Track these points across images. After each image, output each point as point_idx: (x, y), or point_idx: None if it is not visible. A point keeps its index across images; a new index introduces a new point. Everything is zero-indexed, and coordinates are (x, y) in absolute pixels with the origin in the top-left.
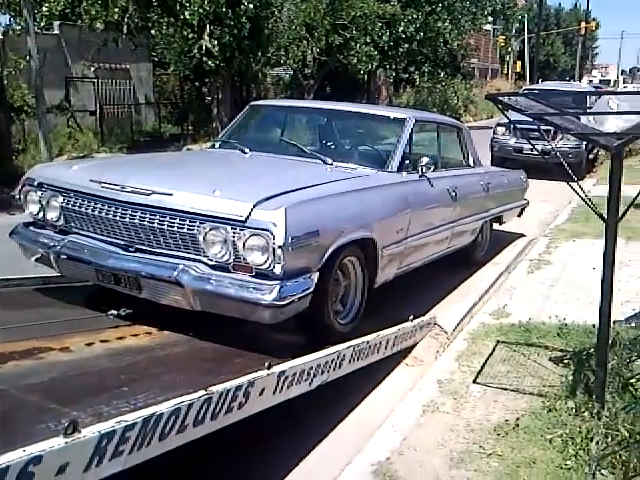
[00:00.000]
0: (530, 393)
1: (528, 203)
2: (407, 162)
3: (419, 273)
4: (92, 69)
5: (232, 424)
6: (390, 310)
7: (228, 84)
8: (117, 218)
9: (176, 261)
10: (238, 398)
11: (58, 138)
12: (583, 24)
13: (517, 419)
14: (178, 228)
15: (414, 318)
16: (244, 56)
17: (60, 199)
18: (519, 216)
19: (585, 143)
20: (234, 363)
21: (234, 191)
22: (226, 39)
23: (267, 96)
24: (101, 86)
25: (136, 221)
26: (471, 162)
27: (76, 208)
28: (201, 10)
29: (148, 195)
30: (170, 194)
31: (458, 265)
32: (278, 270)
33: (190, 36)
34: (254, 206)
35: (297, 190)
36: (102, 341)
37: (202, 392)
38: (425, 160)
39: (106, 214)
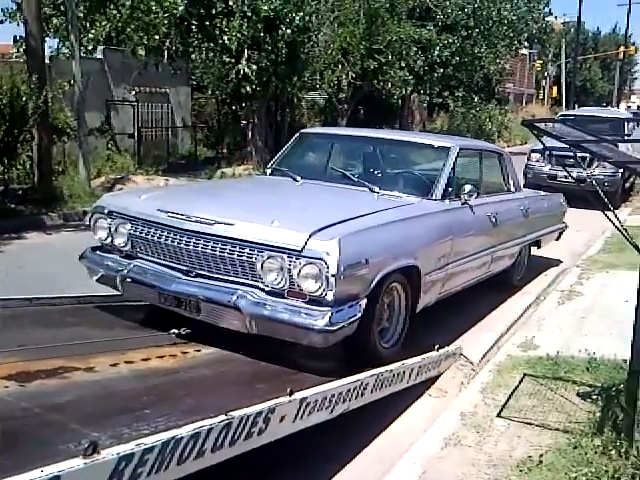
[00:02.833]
0: (556, 429)
1: (567, 226)
2: (450, 189)
3: (447, 301)
4: (132, 92)
5: (250, 450)
6: (416, 338)
7: (263, 108)
8: (182, 245)
9: (234, 286)
10: (258, 424)
11: (97, 160)
12: (622, 48)
13: (541, 455)
14: (238, 256)
15: (439, 347)
16: (280, 80)
17: (128, 226)
18: (557, 239)
19: (621, 171)
20: (256, 388)
21: (291, 222)
22: (263, 64)
23: (301, 120)
24: (140, 109)
25: (199, 248)
26: (512, 187)
27: (143, 235)
28: (240, 35)
29: (211, 225)
30: (232, 224)
31: (486, 293)
32: (330, 297)
33: (228, 61)
34: (310, 236)
35: (349, 220)
36: (127, 362)
37: (222, 417)
38: (468, 188)
39: (172, 241)
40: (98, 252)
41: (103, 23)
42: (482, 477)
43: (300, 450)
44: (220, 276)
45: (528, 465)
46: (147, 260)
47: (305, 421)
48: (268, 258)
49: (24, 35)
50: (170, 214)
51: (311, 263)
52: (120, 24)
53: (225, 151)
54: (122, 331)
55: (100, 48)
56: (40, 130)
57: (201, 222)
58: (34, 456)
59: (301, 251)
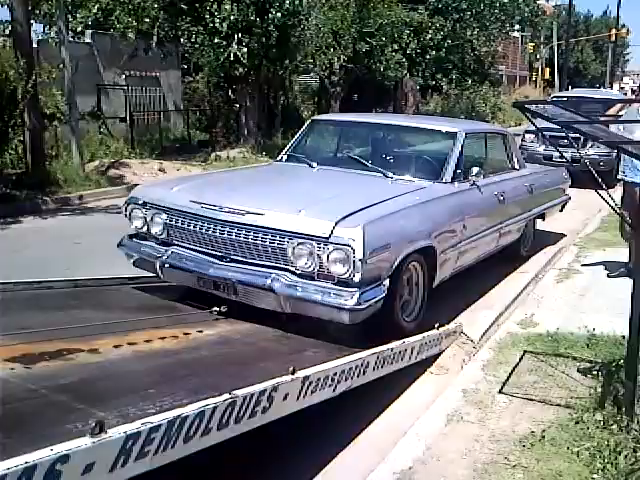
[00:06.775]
0: (557, 404)
1: (569, 198)
2: (459, 172)
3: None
4: (123, 77)
5: (254, 428)
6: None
7: (256, 91)
8: (216, 233)
9: (267, 270)
10: (262, 402)
11: (90, 144)
12: (613, 31)
13: (543, 430)
14: (270, 243)
15: (440, 326)
16: (271, 64)
17: (164, 216)
18: (561, 211)
19: (616, 151)
20: (259, 367)
21: (317, 210)
22: (254, 47)
23: (295, 103)
24: (131, 93)
25: (232, 236)
26: (516, 165)
27: (178, 224)
28: (230, 18)
29: (243, 215)
30: (262, 214)
31: (485, 273)
32: (357, 279)
33: (219, 43)
34: (336, 224)
35: (370, 207)
36: (130, 343)
37: (226, 396)
38: (475, 170)
39: (206, 230)
40: (135, 240)
41: (93, 10)
42: (485, 452)
43: (302, 429)
44: (253, 261)
45: (531, 440)
46: (183, 247)
47: (309, 399)
48: (298, 245)
49: (9, 19)
50: (203, 205)
51: (338, 249)
52: (108, 7)
53: (219, 133)
54: (122, 313)
55: (89, 32)
56: (31, 115)
57: (233, 212)
58: (42, 435)
59: (328, 238)
